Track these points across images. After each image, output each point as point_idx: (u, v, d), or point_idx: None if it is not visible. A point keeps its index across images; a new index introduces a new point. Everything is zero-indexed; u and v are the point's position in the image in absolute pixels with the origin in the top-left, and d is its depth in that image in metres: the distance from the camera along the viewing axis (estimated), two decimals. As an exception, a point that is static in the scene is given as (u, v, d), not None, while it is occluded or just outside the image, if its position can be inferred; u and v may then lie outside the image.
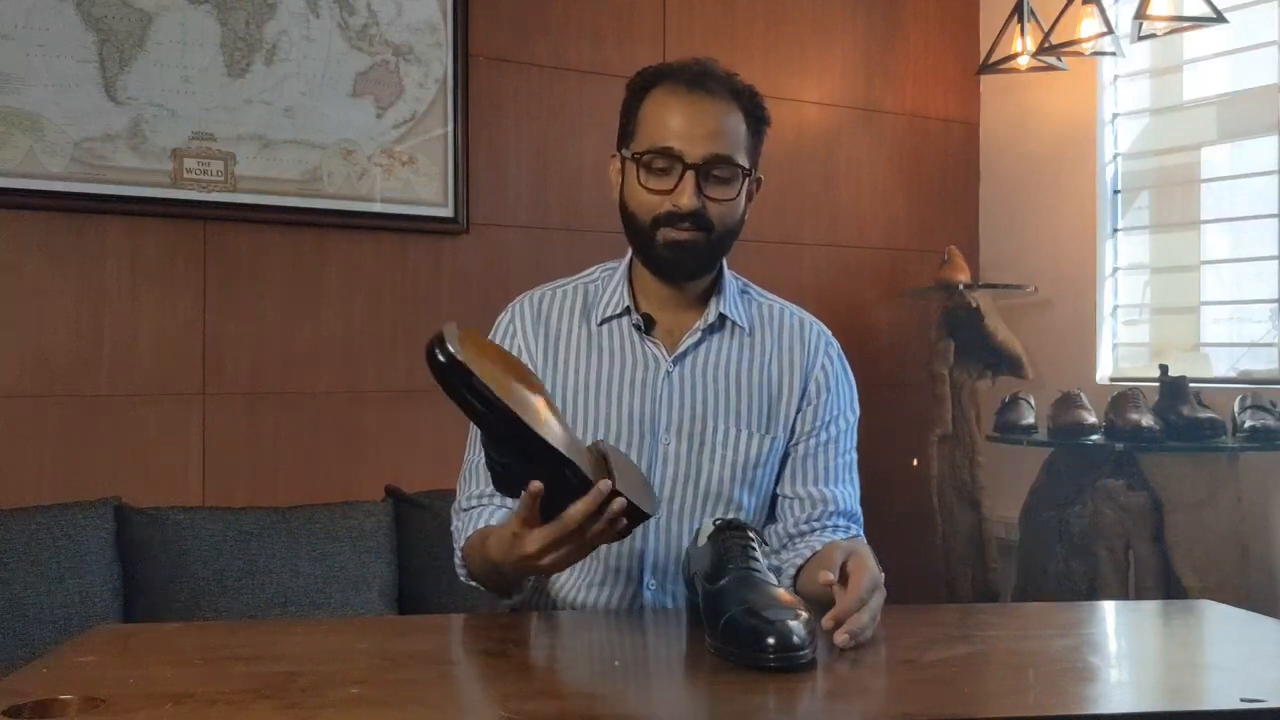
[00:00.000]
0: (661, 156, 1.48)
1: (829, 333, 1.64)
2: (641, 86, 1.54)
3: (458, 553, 1.53)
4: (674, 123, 1.48)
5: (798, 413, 1.57)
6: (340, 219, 2.80)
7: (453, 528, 1.56)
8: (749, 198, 1.55)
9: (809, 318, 1.64)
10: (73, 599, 2.33)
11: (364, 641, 1.25)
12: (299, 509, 2.62)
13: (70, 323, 2.56)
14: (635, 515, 1.23)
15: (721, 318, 1.57)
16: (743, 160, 1.51)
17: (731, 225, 1.52)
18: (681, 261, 1.51)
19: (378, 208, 2.84)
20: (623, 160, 1.55)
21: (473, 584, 1.53)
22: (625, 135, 1.55)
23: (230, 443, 2.70)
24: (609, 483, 1.21)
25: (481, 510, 1.52)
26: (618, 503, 1.20)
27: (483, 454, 1.54)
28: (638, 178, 1.50)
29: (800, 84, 3.47)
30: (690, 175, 1.46)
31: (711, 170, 1.48)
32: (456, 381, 1.15)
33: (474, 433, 1.56)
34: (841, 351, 1.64)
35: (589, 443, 1.35)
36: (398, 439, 2.89)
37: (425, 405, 2.91)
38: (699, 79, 1.50)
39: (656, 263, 1.53)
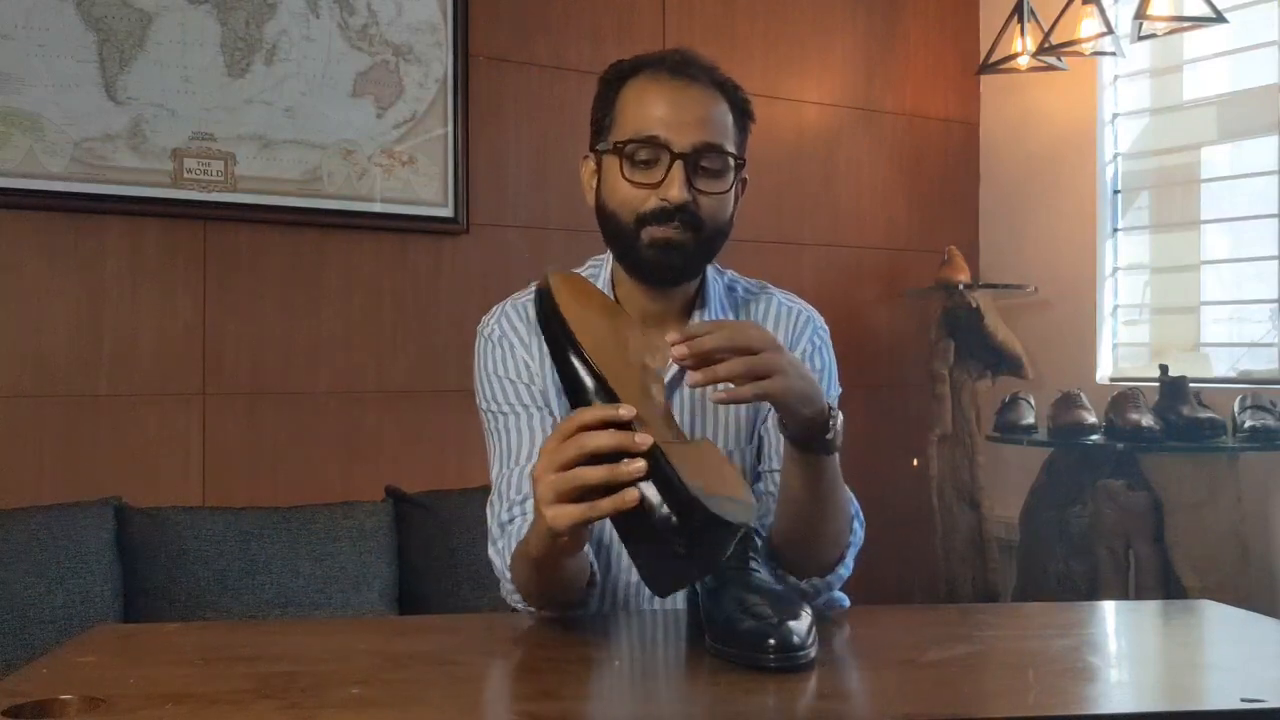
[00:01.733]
0: (646, 146, 1.36)
1: (819, 319, 1.54)
2: (617, 77, 1.42)
3: (505, 577, 1.36)
4: (658, 110, 1.36)
5: None
6: (340, 219, 2.80)
7: (491, 554, 1.39)
8: (735, 198, 1.44)
9: (797, 305, 1.54)
10: (73, 599, 2.33)
11: (364, 641, 1.25)
12: (299, 509, 2.62)
13: (70, 323, 2.56)
14: (689, 511, 1.03)
15: None
16: (732, 150, 1.40)
17: (722, 224, 1.41)
18: (669, 262, 1.38)
19: (378, 208, 2.84)
20: (598, 157, 1.43)
21: (529, 609, 1.35)
22: (600, 130, 1.43)
23: (230, 443, 2.71)
24: (631, 409, 1.05)
25: (525, 522, 1.34)
26: (640, 439, 1.03)
27: (514, 467, 1.39)
28: (620, 171, 1.37)
29: (800, 84, 3.47)
30: (679, 166, 1.35)
31: (701, 161, 1.36)
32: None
33: (506, 447, 1.43)
34: (828, 335, 1.54)
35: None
36: (398, 439, 2.89)
37: (425, 405, 2.91)
38: (681, 66, 1.39)
39: (641, 266, 1.40)
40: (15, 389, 2.50)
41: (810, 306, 1.56)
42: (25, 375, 2.51)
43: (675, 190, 1.35)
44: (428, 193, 2.89)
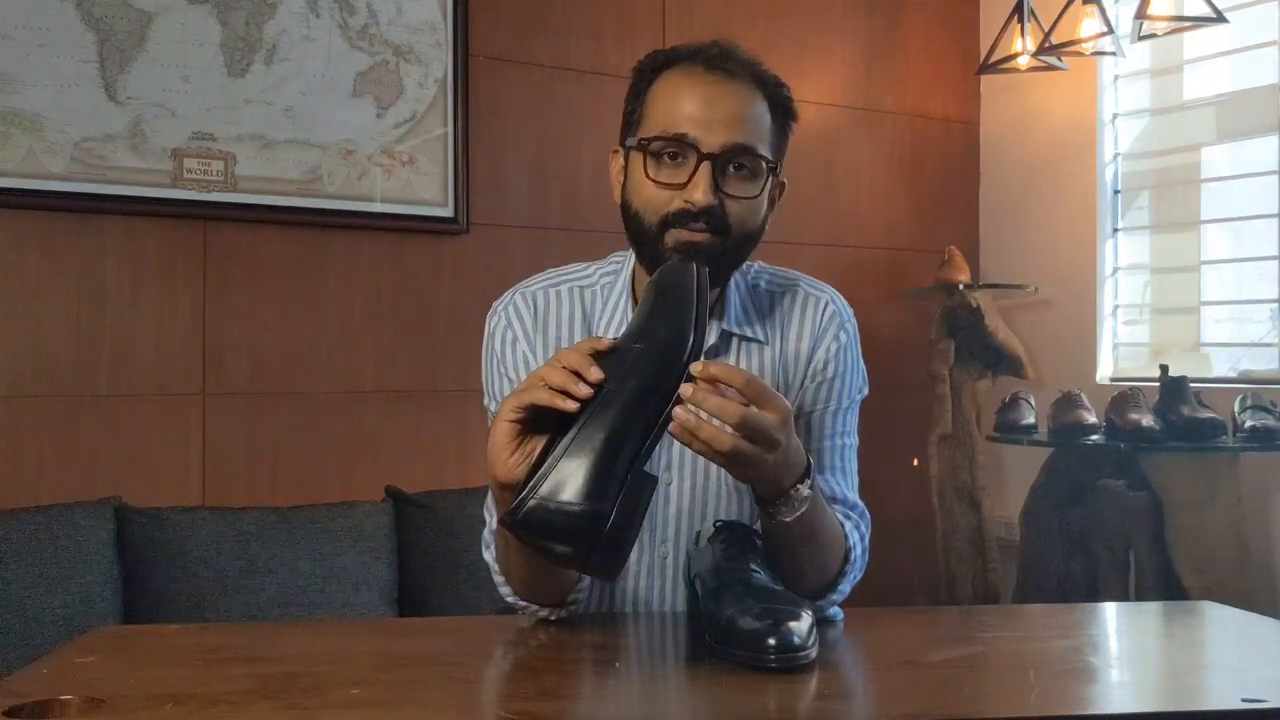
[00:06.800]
0: (673, 144, 1.29)
1: (846, 310, 1.49)
2: (652, 69, 1.35)
3: (494, 569, 1.35)
4: (688, 107, 1.29)
5: (799, 389, 1.44)
6: (340, 219, 2.80)
7: (486, 557, 1.38)
8: (771, 203, 1.36)
9: (825, 295, 1.48)
10: (73, 599, 2.33)
11: (364, 642, 1.25)
12: (299, 509, 2.62)
13: (70, 323, 2.55)
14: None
15: (726, 336, 1.40)
16: (766, 153, 1.32)
17: (752, 230, 1.33)
18: None
19: (378, 208, 2.84)
20: (626, 152, 1.36)
21: (523, 605, 1.33)
22: (630, 124, 1.36)
23: (230, 443, 2.70)
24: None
25: None
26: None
27: None
28: (644, 169, 1.30)
29: (800, 84, 3.46)
30: (705, 167, 1.27)
31: (730, 163, 1.29)
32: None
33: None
34: (855, 328, 1.50)
35: None
36: (398, 439, 2.89)
37: (425, 405, 2.91)
38: (718, 60, 1.32)
39: None
40: (15, 389, 2.50)
41: (837, 294, 1.51)
42: (25, 375, 2.51)
43: (700, 193, 1.28)
44: (428, 193, 2.89)
